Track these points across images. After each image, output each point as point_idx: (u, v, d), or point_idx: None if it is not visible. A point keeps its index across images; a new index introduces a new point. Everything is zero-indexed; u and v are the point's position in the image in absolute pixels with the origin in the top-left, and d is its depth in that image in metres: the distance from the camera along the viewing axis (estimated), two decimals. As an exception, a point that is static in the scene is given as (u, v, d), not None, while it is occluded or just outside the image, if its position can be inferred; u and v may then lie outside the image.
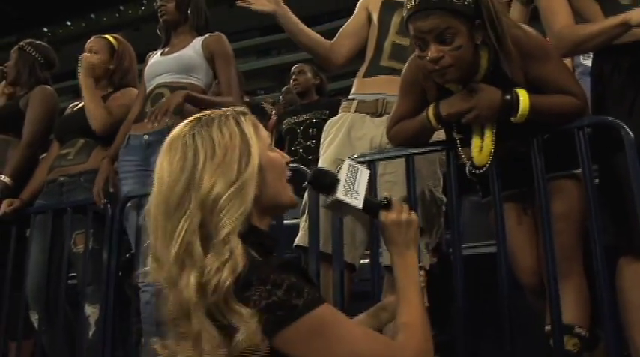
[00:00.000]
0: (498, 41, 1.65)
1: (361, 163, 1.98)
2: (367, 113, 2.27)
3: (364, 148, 2.18)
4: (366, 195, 1.36)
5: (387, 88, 2.25)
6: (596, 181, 1.81)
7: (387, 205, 1.36)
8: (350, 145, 2.23)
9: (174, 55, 2.80)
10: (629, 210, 1.66)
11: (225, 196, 1.14)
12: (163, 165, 1.21)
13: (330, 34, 2.47)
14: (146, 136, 2.66)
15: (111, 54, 3.02)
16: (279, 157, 1.30)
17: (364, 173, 1.40)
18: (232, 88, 2.72)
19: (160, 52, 2.91)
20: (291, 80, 4.41)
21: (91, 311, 2.66)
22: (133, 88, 3.00)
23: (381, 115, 2.24)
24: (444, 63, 1.64)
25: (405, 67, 1.92)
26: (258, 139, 1.24)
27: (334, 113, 3.86)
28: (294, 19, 2.37)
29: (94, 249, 2.64)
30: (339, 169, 1.96)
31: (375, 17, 2.37)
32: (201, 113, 1.28)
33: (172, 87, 2.69)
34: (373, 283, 1.90)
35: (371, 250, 1.95)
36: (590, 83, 1.94)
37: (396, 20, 2.31)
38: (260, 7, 2.34)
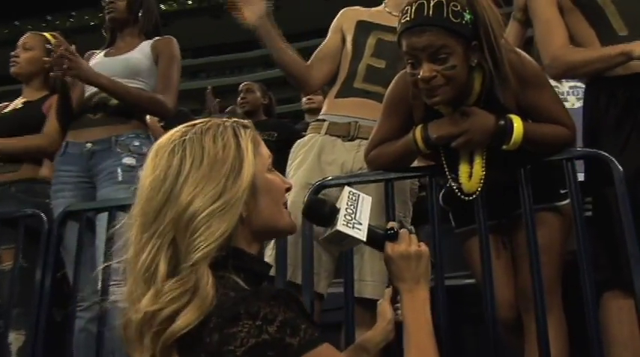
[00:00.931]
0: (495, 65, 1.59)
1: (335, 185, 1.89)
2: (338, 136, 2.18)
3: (334, 173, 2.08)
4: (369, 225, 1.25)
5: (360, 111, 2.18)
6: (587, 213, 1.77)
7: (394, 235, 1.25)
8: (320, 170, 2.12)
9: (121, 57, 2.60)
10: (620, 244, 1.62)
11: (203, 215, 1.01)
12: (147, 172, 1.09)
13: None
14: (89, 144, 2.45)
15: (47, 52, 2.72)
16: (279, 180, 1.18)
17: (366, 201, 1.29)
18: (169, 89, 2.54)
19: (103, 52, 2.70)
20: (239, 99, 4.24)
21: (14, 338, 2.39)
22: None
23: (352, 139, 2.16)
24: (436, 82, 1.56)
25: (391, 84, 1.83)
26: (257, 156, 1.12)
27: (283, 135, 3.81)
28: (276, 35, 2.25)
29: (22, 267, 2.36)
30: (310, 190, 1.87)
31: (349, 38, 2.30)
32: (199, 120, 1.15)
33: None
34: (347, 314, 1.77)
35: (345, 279, 1.81)
36: (582, 112, 1.92)
37: (371, 42, 2.25)
38: (248, 17, 2.21)
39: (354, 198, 1.27)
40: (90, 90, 2.54)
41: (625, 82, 1.81)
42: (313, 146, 2.18)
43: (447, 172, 1.73)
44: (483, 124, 1.62)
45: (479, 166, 1.67)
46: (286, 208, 1.19)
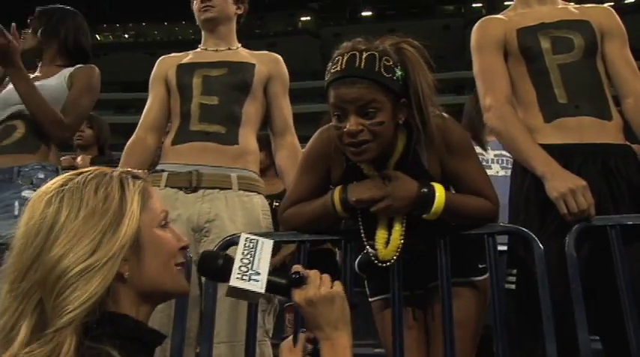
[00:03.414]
0: (423, 124, 1.53)
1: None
2: (179, 188, 2.06)
3: (181, 230, 1.91)
4: (269, 274, 1.14)
5: (200, 157, 2.08)
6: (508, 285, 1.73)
7: (299, 280, 1.14)
8: None
9: (36, 84, 2.36)
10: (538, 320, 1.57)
11: (72, 273, 0.90)
12: (21, 222, 0.98)
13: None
14: None
15: None
16: (171, 238, 1.06)
17: (266, 246, 1.18)
18: (73, 113, 2.32)
19: None
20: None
21: None
22: None
23: (195, 190, 2.04)
24: (363, 137, 1.49)
25: (311, 140, 1.74)
26: (145, 210, 1.01)
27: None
28: None
29: None
30: (218, 245, 1.74)
31: (173, 83, 2.22)
32: (86, 169, 1.05)
33: (28, 120, 2.29)
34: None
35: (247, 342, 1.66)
36: (511, 179, 1.91)
37: (196, 81, 2.19)
38: None
39: (250, 245, 1.16)
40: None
41: (560, 151, 1.79)
42: None
43: (364, 238, 1.63)
44: (405, 191, 1.55)
45: (397, 234, 1.59)
46: (181, 266, 1.07)
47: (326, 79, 1.53)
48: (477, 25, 2.00)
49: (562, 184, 1.67)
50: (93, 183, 0.99)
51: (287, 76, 2.31)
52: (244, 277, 1.11)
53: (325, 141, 1.66)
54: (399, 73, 1.51)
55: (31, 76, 2.46)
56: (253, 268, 1.13)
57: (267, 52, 2.34)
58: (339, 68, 1.49)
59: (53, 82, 2.39)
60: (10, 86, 2.42)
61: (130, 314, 0.98)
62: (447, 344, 1.58)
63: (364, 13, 40.35)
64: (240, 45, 2.35)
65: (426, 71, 1.54)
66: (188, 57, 2.29)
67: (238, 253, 1.14)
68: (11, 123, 2.31)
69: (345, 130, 1.48)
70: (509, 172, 2.09)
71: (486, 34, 1.96)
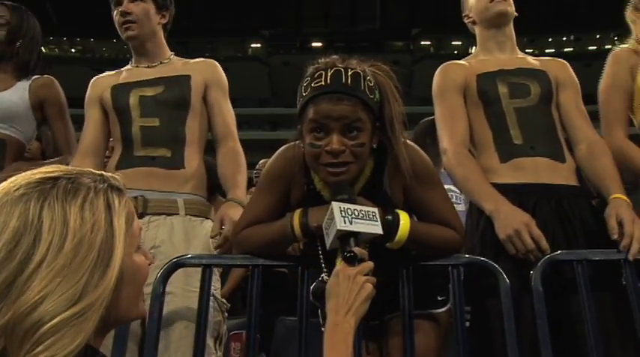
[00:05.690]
0: (395, 150, 1.47)
1: (195, 265, 1.69)
2: None
3: None
4: (332, 241, 1.32)
5: (146, 183, 1.99)
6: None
7: (351, 258, 1.25)
8: None
9: None
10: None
11: (52, 323, 0.74)
12: None
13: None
14: None
15: None
16: (144, 262, 0.95)
17: (334, 227, 1.30)
18: (72, 144, 2.27)
19: None
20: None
21: None
22: None
23: (141, 217, 1.94)
24: (345, 159, 1.40)
25: (272, 158, 1.64)
26: (128, 236, 0.87)
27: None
28: None
29: None
30: (166, 266, 1.63)
31: (109, 105, 2.11)
32: (63, 170, 0.88)
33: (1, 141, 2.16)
34: None
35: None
36: (467, 215, 1.89)
37: (133, 102, 2.09)
38: None
39: (330, 217, 1.32)
40: None
41: (515, 190, 1.79)
42: None
43: (323, 265, 1.53)
44: None
45: (359, 262, 1.48)
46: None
47: (303, 93, 1.44)
48: (439, 69, 2.04)
49: (508, 225, 1.65)
50: (78, 199, 0.83)
51: (225, 80, 2.23)
52: (326, 231, 1.34)
53: (289, 160, 1.57)
54: (377, 95, 1.45)
55: None
56: (328, 230, 1.33)
57: (202, 59, 2.25)
58: (323, 83, 1.40)
59: (14, 97, 2.23)
60: None
61: (93, 346, 0.84)
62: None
63: (314, 44, 40.75)
64: (172, 54, 2.25)
65: (397, 97, 1.49)
66: (122, 76, 2.18)
67: (328, 213, 1.34)
68: None
69: (327, 148, 1.40)
70: (459, 207, 2.10)
71: (447, 78, 2.00)
